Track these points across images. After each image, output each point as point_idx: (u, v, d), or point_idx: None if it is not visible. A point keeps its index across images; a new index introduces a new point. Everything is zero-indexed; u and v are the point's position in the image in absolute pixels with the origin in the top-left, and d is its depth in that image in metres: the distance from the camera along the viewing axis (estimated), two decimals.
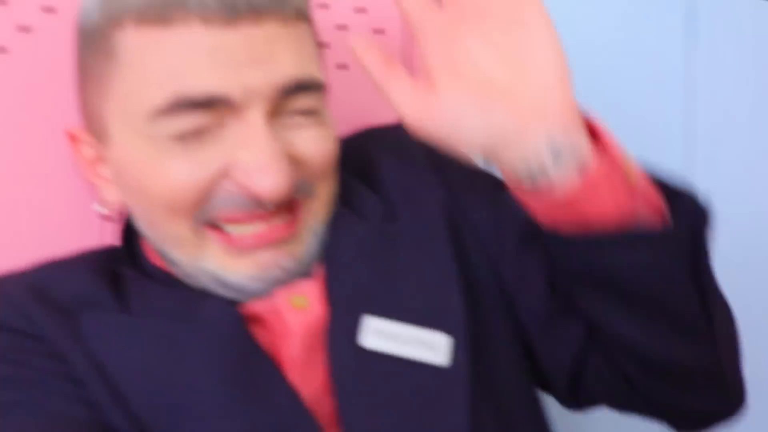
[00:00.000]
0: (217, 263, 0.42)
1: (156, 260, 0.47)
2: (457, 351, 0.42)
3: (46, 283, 0.44)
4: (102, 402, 0.39)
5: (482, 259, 0.48)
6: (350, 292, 0.44)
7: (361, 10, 0.66)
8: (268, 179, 0.39)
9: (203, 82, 0.38)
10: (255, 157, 0.39)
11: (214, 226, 0.42)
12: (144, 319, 0.43)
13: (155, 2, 0.38)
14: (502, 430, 0.43)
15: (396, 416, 0.41)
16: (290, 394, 0.40)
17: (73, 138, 0.48)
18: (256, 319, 0.43)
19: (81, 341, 0.41)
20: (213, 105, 0.39)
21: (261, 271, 0.42)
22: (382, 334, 0.42)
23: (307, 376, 0.42)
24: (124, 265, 0.47)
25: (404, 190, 0.49)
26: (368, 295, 0.43)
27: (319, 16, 0.64)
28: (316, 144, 0.43)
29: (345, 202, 0.48)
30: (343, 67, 0.63)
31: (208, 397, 0.40)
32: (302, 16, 0.43)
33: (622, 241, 0.38)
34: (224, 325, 0.42)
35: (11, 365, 0.40)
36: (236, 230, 0.42)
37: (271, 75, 0.39)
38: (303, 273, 0.44)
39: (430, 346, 0.42)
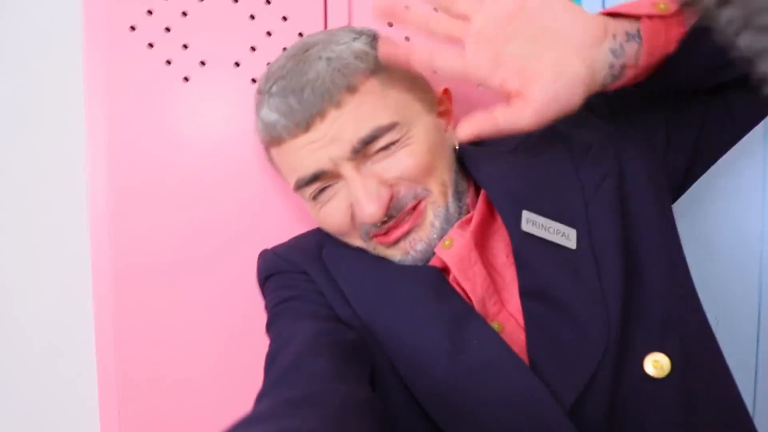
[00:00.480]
0: (382, 252, 0.65)
1: None
2: (581, 239, 0.58)
3: (299, 242, 0.70)
4: (336, 305, 0.62)
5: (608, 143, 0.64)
6: (508, 196, 0.60)
7: (285, 19, 0.78)
8: (366, 210, 0.59)
9: (306, 168, 0.60)
10: (355, 198, 0.60)
11: (373, 236, 0.64)
12: (359, 251, 0.65)
13: (268, 137, 0.62)
14: (634, 290, 0.57)
15: (550, 278, 0.57)
16: (459, 297, 0.59)
17: None
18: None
19: (322, 264, 0.65)
20: (320, 177, 0.61)
21: (404, 256, 0.63)
22: (534, 224, 0.58)
23: (470, 281, 0.60)
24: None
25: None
26: (521, 198, 0.60)
27: (247, 25, 0.77)
28: (400, 164, 0.60)
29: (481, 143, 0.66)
30: None
31: (408, 291, 0.60)
32: (354, 87, 0.59)
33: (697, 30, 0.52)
34: (418, 265, 0.63)
35: (287, 289, 0.65)
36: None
37: (342, 146, 0.58)
38: (437, 239, 0.63)
39: (564, 234, 0.58)
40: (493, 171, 0.62)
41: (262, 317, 0.66)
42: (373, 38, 0.63)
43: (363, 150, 0.59)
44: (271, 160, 0.67)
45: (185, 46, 0.77)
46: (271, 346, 0.59)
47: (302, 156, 0.60)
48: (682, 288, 0.61)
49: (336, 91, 0.58)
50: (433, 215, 0.62)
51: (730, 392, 0.60)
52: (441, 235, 0.62)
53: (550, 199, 0.60)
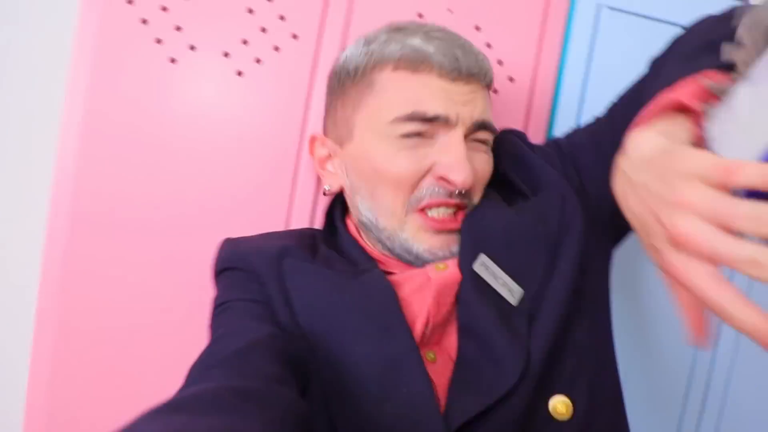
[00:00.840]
0: (412, 234, 0.63)
1: (354, 233, 0.69)
2: (523, 301, 0.59)
3: (263, 243, 0.65)
4: (281, 315, 0.59)
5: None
6: (474, 238, 0.62)
7: (282, 18, 0.79)
8: (461, 173, 0.59)
9: (434, 106, 0.60)
10: (454, 157, 0.60)
11: (419, 210, 0.62)
12: (323, 268, 0.61)
13: (411, 58, 0.61)
14: (559, 342, 0.58)
15: (485, 321, 0.57)
16: (408, 335, 0.57)
17: (312, 140, 0.71)
18: (399, 283, 0.61)
19: (279, 274, 0.61)
20: (435, 120, 0.60)
21: (440, 248, 0.62)
22: (486, 268, 0.60)
23: (438, 306, 0.59)
24: (321, 241, 0.67)
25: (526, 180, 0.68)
26: (486, 243, 0.61)
27: (244, 18, 0.78)
28: (482, 164, 0.64)
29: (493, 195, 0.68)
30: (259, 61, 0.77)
31: (349, 321, 0.58)
32: (490, 85, 0.66)
33: None
34: (375, 284, 0.60)
35: (239, 290, 0.62)
36: (434, 212, 0.62)
37: (472, 112, 0.61)
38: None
39: (510, 289, 0.60)
40: (486, 212, 0.64)
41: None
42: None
43: (475, 131, 0.63)
44: (365, 83, 0.64)
45: (178, 28, 0.77)
46: (213, 336, 0.57)
47: (436, 95, 0.60)
48: (603, 334, 0.64)
49: (487, 74, 0.64)
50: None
51: None
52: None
53: (515, 255, 0.62)
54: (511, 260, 0.61)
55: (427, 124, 0.60)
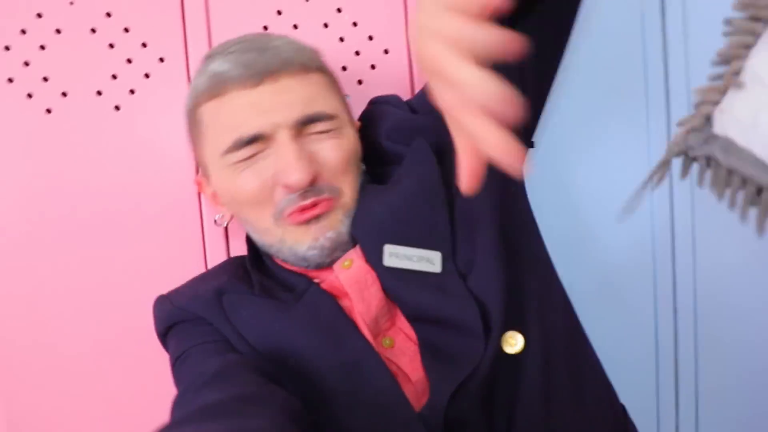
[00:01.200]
0: (292, 240, 0.63)
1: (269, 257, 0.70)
2: (446, 261, 0.61)
3: (196, 289, 0.67)
4: (237, 345, 0.62)
5: None
6: (371, 232, 0.62)
7: (144, 45, 0.80)
8: (294, 174, 0.59)
9: (248, 128, 0.60)
10: (284, 161, 0.60)
11: (286, 218, 0.62)
12: (260, 297, 0.63)
13: (212, 86, 0.61)
14: (515, 301, 0.60)
15: (423, 304, 0.60)
16: (360, 337, 0.59)
17: (198, 183, 0.73)
18: (329, 288, 0.63)
19: (223, 313, 0.63)
20: (257, 139, 0.60)
21: (314, 242, 0.62)
22: (397, 256, 0.61)
23: (365, 306, 0.61)
24: (251, 268, 0.68)
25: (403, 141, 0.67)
26: (384, 231, 0.62)
27: (107, 54, 0.78)
28: (331, 150, 0.62)
29: (372, 177, 0.68)
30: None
31: (303, 341, 0.60)
32: (308, 68, 0.63)
33: None
34: (315, 300, 0.62)
35: (192, 337, 0.63)
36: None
37: (288, 114, 0.60)
38: (345, 246, 0.64)
39: (428, 260, 0.60)
40: (367, 206, 0.64)
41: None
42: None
43: (303, 127, 0.61)
44: (195, 122, 0.65)
45: (45, 79, 0.78)
46: (183, 381, 0.58)
47: (246, 115, 0.60)
48: (545, 273, 0.66)
49: (294, 62, 0.61)
50: (342, 215, 0.63)
51: (588, 359, 0.65)
52: (347, 236, 0.63)
53: (416, 225, 0.62)
54: (413, 233, 0.62)
55: (251, 146, 0.60)
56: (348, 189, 0.64)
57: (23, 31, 0.77)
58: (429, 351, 0.59)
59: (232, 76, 0.60)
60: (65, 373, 0.80)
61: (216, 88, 0.61)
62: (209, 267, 0.81)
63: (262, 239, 0.66)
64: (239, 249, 0.81)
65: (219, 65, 0.61)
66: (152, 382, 0.80)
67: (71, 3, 0.78)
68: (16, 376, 0.79)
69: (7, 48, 0.77)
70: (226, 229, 0.83)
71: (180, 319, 0.65)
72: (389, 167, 0.68)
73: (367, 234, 0.62)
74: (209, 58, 0.65)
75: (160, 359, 0.67)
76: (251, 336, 0.61)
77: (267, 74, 0.60)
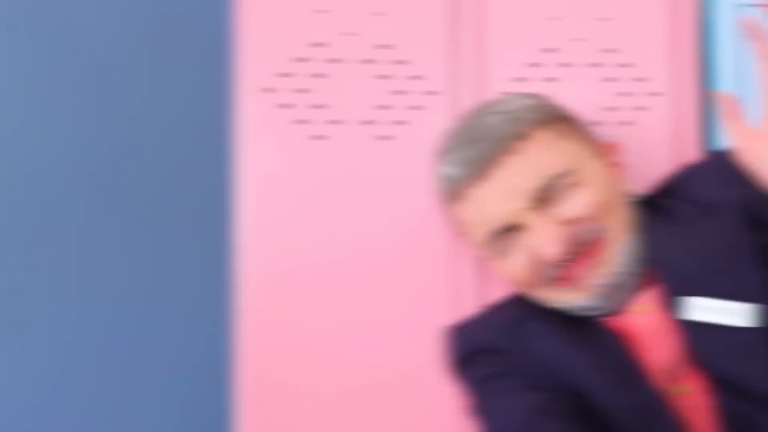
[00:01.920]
0: (566, 298, 0.65)
1: None
2: (758, 314, 0.57)
3: (492, 317, 0.70)
4: (532, 373, 0.63)
5: None
6: (673, 279, 0.61)
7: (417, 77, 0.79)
8: (547, 250, 0.60)
9: (493, 222, 0.62)
10: (535, 242, 0.61)
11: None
12: (560, 330, 0.64)
13: (448, 192, 0.66)
14: None
15: (730, 367, 0.58)
16: (650, 382, 0.60)
17: None
18: (620, 327, 0.64)
19: (520, 342, 0.65)
20: (505, 230, 0.62)
21: (587, 297, 0.63)
22: (701, 308, 0.59)
23: (659, 354, 0.62)
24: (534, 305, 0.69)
25: (703, 198, 0.67)
26: (689, 282, 0.60)
27: (380, 84, 0.78)
28: (576, 204, 0.62)
29: (657, 211, 0.68)
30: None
31: (597, 379, 0.60)
32: (526, 136, 0.62)
33: None
34: (603, 333, 0.64)
35: (492, 366, 0.66)
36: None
37: (520, 195, 0.61)
38: (629, 285, 0.63)
39: (737, 313, 0.58)
40: (661, 247, 0.63)
41: None
42: (544, 98, 0.68)
43: (542, 196, 0.61)
44: (454, 219, 0.68)
45: (319, 107, 0.78)
46: (487, 424, 0.63)
47: (488, 210, 0.62)
48: None
49: (508, 138, 0.61)
50: (615, 250, 0.62)
51: None
52: (627, 277, 0.62)
53: (725, 275, 0.60)
54: (725, 282, 0.59)
55: (503, 235, 0.62)
56: (616, 221, 0.63)
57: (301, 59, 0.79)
58: (734, 424, 0.56)
59: (460, 179, 0.62)
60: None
61: (452, 193, 0.65)
62: (464, 299, 0.78)
63: (546, 301, 0.67)
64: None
65: (447, 169, 0.65)
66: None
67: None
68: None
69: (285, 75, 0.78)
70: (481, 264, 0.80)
71: (477, 349, 0.67)
72: (667, 198, 0.68)
73: (670, 281, 0.61)
74: (440, 155, 0.68)
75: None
76: (548, 366, 0.63)
77: (487, 165, 0.61)
